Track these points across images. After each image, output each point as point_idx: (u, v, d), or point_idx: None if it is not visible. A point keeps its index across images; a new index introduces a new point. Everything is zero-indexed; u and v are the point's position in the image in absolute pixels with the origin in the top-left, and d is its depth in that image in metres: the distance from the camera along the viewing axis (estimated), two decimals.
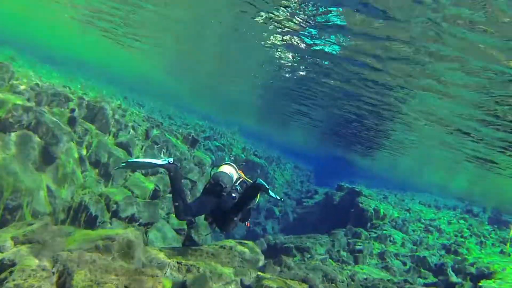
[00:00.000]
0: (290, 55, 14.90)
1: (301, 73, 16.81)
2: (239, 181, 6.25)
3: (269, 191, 5.74)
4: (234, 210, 5.87)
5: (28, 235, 4.78)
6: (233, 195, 5.95)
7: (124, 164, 5.87)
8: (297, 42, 12.96)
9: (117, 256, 4.88)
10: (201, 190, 6.18)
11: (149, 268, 5.12)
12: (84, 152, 11.20)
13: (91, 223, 9.98)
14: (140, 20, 18.92)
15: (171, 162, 5.80)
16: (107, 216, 10.49)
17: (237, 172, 6.28)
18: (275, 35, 13.16)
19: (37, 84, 10.53)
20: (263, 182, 5.75)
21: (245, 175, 6.50)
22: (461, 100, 12.08)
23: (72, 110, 11.26)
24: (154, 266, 5.60)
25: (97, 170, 11.50)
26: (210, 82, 33.23)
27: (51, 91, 11.04)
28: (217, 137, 29.07)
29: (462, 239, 19.60)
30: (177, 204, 5.59)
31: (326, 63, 13.97)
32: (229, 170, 6.11)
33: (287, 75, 18.16)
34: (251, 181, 6.12)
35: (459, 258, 15.90)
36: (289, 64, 16.18)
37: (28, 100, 9.77)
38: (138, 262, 5.25)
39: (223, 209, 5.85)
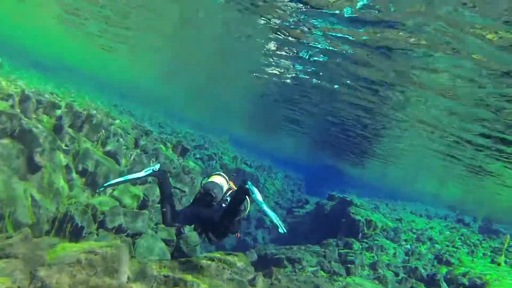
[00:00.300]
0: (281, 53, 14.59)
1: (292, 74, 16.60)
2: (229, 192, 6.11)
3: (255, 194, 5.49)
4: (225, 219, 5.72)
5: (6, 249, 4.52)
6: (223, 205, 5.82)
7: (102, 188, 5.65)
8: (287, 37, 12.59)
9: (100, 271, 4.64)
10: (191, 200, 6.04)
11: (133, 283, 4.89)
12: (70, 160, 10.91)
13: (77, 234, 9.69)
14: (132, 21, 18.70)
15: (157, 170, 5.66)
16: (94, 227, 10.20)
17: (227, 182, 6.16)
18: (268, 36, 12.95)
19: (23, 91, 10.25)
20: (251, 185, 5.57)
21: (235, 186, 6.35)
22: (459, 98, 11.71)
23: (59, 118, 11.00)
24: (140, 280, 5.37)
25: (83, 179, 11.20)
26: (202, 89, 33.08)
27: (37, 98, 10.77)
28: (208, 146, 28.89)
29: (453, 249, 19.53)
30: (164, 209, 5.50)
31: (316, 58, 13.53)
32: (219, 180, 6.00)
33: (278, 79, 18.02)
34: None
35: (451, 268, 15.80)
36: (280, 66, 16.02)
37: (12, 106, 9.50)
38: (122, 276, 5.02)
39: (213, 219, 5.71)
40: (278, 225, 5.09)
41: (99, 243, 5.43)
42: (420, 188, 45.89)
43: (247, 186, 5.52)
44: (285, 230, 5.11)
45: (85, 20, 21.28)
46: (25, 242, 4.69)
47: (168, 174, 5.79)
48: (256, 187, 5.64)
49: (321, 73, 14.85)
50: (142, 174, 5.65)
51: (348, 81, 14.41)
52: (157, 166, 5.71)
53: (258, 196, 5.45)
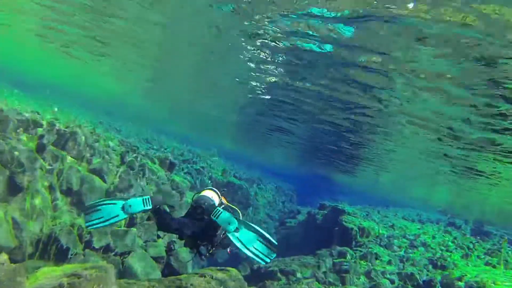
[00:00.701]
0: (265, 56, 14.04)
1: (275, 79, 16.19)
2: (221, 207, 5.92)
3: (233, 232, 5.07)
4: (214, 234, 5.54)
5: None
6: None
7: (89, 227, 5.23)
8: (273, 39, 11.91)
9: None
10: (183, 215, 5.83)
11: None
12: (54, 180, 10.59)
13: (63, 255, 9.37)
14: (113, 38, 18.46)
15: (148, 208, 5.20)
16: (80, 247, 9.88)
17: (219, 197, 5.97)
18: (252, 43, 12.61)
19: (1, 110, 9.96)
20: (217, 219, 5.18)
21: (227, 201, 6.19)
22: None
23: (41, 136, 10.70)
24: None
25: (69, 199, 10.88)
26: (187, 101, 32.79)
27: (17, 117, 10.48)
28: (196, 160, 28.59)
29: (448, 253, 19.44)
30: (157, 216, 5.24)
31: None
32: (210, 194, 5.84)
33: (263, 86, 17.74)
34: (234, 207, 5.84)
35: (447, 272, 15.68)
36: (266, 72, 15.68)
37: None
38: None
39: (204, 234, 5.51)
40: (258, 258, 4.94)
41: (83, 265, 5.14)
42: (411, 194, 46.03)
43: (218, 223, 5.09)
44: (268, 260, 4.96)
45: (66, 36, 20.96)
46: (1, 269, 4.40)
47: (159, 208, 5.29)
48: (246, 200, 5.38)
49: (306, 74, 14.29)
50: (124, 215, 5.12)
51: (337, 74, 13.42)
52: (147, 198, 5.25)
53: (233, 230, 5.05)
